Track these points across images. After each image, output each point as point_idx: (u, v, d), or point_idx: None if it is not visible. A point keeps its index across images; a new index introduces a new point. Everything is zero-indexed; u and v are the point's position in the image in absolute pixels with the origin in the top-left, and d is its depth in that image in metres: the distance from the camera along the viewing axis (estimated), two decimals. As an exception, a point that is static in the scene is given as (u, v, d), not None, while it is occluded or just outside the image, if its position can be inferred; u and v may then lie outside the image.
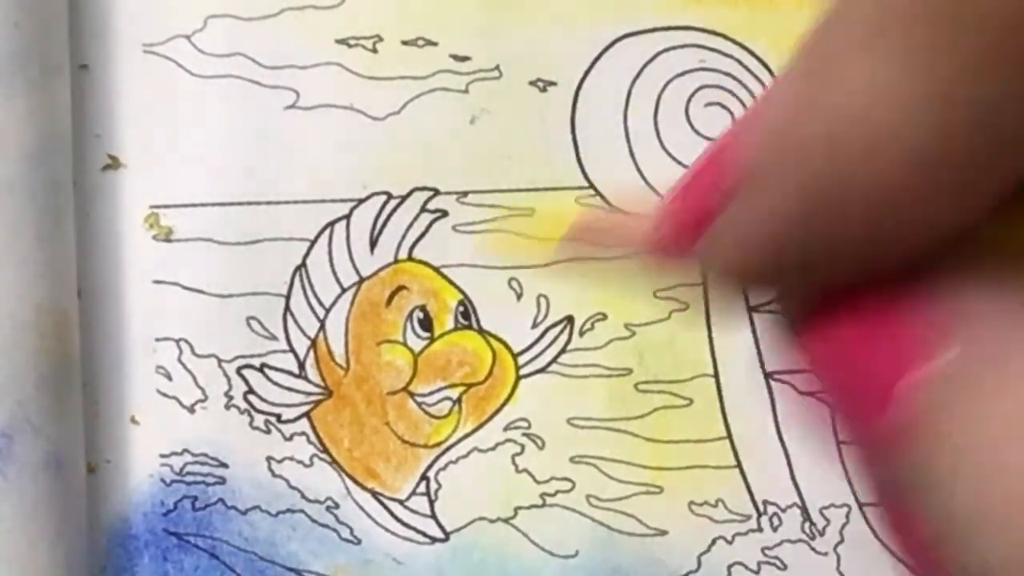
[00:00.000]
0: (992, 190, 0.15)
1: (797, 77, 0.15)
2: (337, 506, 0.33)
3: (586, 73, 0.33)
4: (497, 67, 0.33)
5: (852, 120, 0.14)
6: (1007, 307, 0.15)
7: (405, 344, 0.33)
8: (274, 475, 0.33)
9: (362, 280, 0.33)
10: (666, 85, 0.33)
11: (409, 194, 0.33)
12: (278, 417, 0.33)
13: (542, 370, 0.33)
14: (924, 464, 0.15)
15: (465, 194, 0.32)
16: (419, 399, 0.33)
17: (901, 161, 0.14)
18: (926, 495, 0.15)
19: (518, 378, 0.33)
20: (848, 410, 0.17)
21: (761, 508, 0.32)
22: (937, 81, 0.14)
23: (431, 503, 0.33)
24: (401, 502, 0.33)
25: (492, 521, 0.32)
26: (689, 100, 0.33)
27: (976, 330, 0.15)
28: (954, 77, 0.13)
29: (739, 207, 0.16)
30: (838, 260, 0.16)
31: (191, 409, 0.33)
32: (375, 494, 0.33)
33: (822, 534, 0.32)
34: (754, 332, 0.32)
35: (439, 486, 0.33)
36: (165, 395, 0.33)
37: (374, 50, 0.33)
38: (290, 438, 0.33)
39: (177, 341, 0.33)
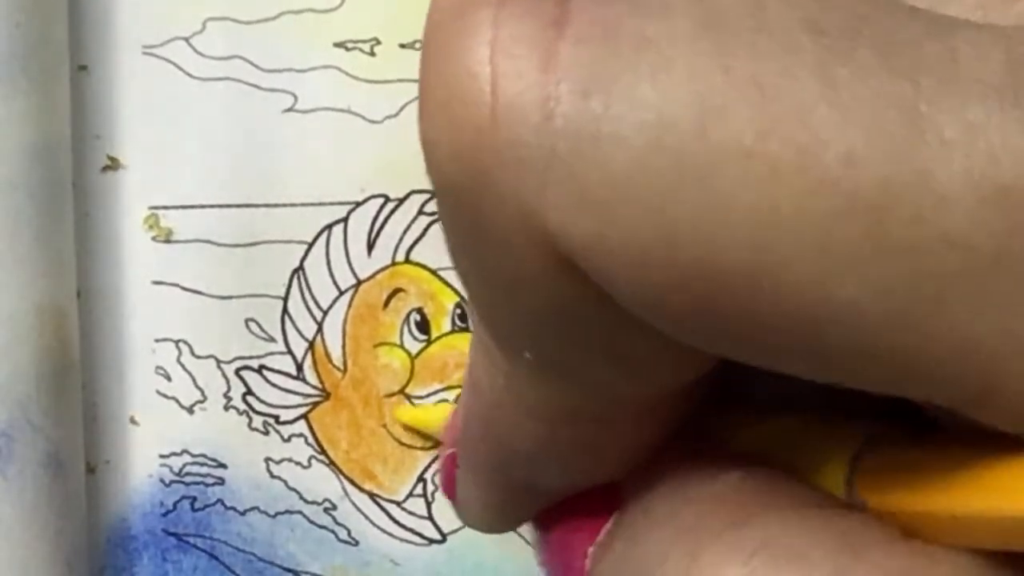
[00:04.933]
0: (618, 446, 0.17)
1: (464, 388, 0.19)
2: (335, 507, 0.33)
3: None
4: (494, 70, 0.32)
5: (493, 404, 0.17)
6: (666, 469, 0.17)
7: (402, 346, 0.33)
8: (272, 476, 0.33)
9: (359, 283, 0.33)
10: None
11: (406, 197, 0.33)
12: (276, 419, 0.33)
13: (538, 373, 0.33)
14: None
15: (462, 197, 0.32)
16: (416, 401, 0.33)
17: (530, 425, 0.16)
18: None
19: (514, 381, 0.33)
20: None
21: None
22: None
23: (428, 505, 0.33)
24: (398, 504, 0.33)
25: (489, 523, 0.33)
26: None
27: (634, 494, 0.17)
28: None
29: (459, 482, 0.20)
30: (537, 504, 0.19)
31: (190, 410, 0.33)
32: (373, 496, 0.33)
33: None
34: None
35: (436, 488, 0.33)
36: (164, 396, 0.33)
37: (372, 53, 0.33)
38: (288, 439, 0.33)
39: (176, 342, 0.33)
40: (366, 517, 0.33)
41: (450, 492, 0.21)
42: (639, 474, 0.17)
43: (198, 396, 0.33)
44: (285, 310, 0.33)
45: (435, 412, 0.31)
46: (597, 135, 0.12)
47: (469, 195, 0.13)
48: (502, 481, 0.19)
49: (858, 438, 0.15)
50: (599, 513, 0.17)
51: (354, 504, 0.33)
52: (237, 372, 0.33)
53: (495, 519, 0.20)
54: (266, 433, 0.33)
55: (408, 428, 0.33)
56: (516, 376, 0.16)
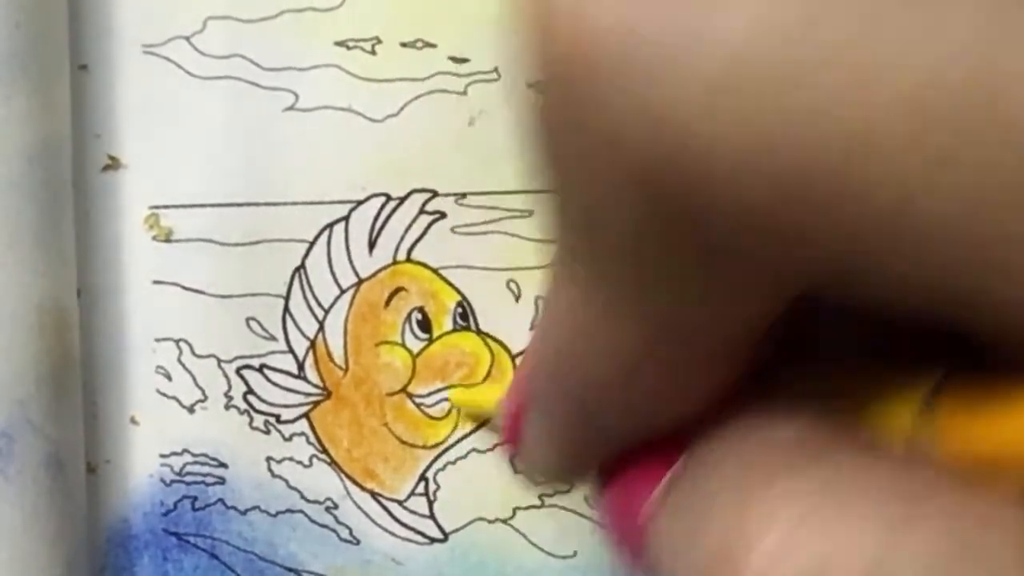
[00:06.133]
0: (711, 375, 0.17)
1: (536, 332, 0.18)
2: (336, 506, 0.33)
3: (585, 75, 0.32)
4: (496, 69, 0.33)
5: (564, 341, 0.17)
6: (738, 423, 0.17)
7: (404, 345, 0.33)
8: (273, 475, 0.33)
9: (361, 281, 0.33)
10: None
11: (408, 196, 0.33)
12: (277, 418, 0.33)
13: (540, 371, 0.33)
14: None
15: (464, 196, 0.33)
16: (417, 400, 0.33)
17: (606, 365, 0.16)
18: None
19: (516, 379, 0.33)
20: (623, 550, 0.19)
21: (758, 510, 0.32)
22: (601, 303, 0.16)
23: (430, 504, 0.33)
24: (400, 503, 0.33)
25: (491, 522, 0.33)
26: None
27: (700, 443, 0.17)
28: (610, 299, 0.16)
29: (527, 430, 0.20)
30: (609, 448, 0.19)
31: (191, 409, 0.33)
32: (374, 495, 0.33)
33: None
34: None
35: (438, 487, 0.33)
36: (165, 395, 0.33)
37: (373, 52, 0.33)
38: (289, 438, 0.33)
39: (177, 341, 0.33)
40: (367, 516, 0.33)
41: (514, 444, 0.20)
42: (701, 424, 0.17)
43: (199, 395, 0.33)
44: (286, 309, 0.33)
45: (490, 391, 0.31)
46: (699, 39, 0.12)
47: (572, 95, 0.14)
48: (572, 426, 0.18)
49: (929, 380, 0.15)
50: (658, 465, 0.17)
51: (355, 503, 0.33)
52: (238, 371, 0.33)
53: (561, 468, 0.20)
54: (267, 432, 0.33)
55: (466, 411, 0.32)
56: (596, 309, 0.16)
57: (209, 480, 0.33)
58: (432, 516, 0.33)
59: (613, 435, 0.18)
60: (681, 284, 0.15)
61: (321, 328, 0.33)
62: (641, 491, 0.18)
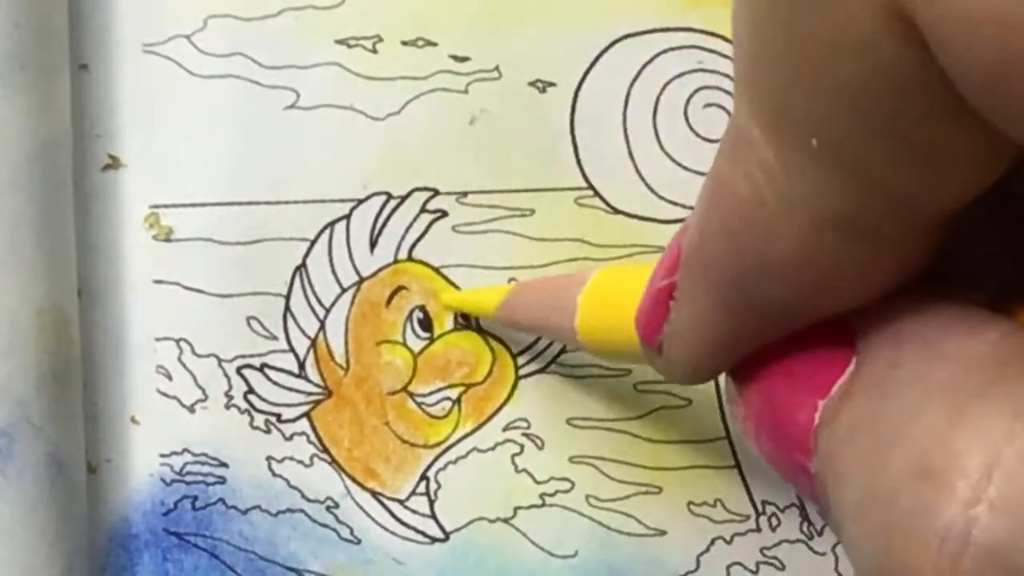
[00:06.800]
0: (898, 260, 0.16)
1: (703, 201, 0.17)
2: (337, 506, 0.33)
3: (585, 74, 0.33)
4: (497, 68, 0.33)
5: (750, 207, 0.16)
6: (909, 323, 0.16)
7: (405, 344, 0.33)
8: (274, 475, 0.33)
9: (362, 280, 0.33)
10: (665, 86, 0.33)
11: (409, 194, 0.33)
12: (278, 417, 0.33)
13: (541, 370, 0.33)
14: (827, 499, 0.16)
15: (465, 194, 0.33)
16: (419, 399, 0.33)
17: (789, 239, 0.15)
18: (836, 531, 0.16)
19: (517, 378, 0.33)
20: (777, 458, 0.17)
21: (760, 508, 0.32)
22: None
23: (431, 503, 0.33)
24: (401, 502, 0.33)
25: (492, 521, 0.32)
26: (688, 101, 0.33)
27: (875, 347, 0.16)
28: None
29: (675, 313, 0.18)
30: (765, 333, 0.17)
31: (191, 409, 0.33)
32: (375, 494, 0.33)
33: (820, 534, 0.32)
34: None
35: (439, 486, 0.33)
36: (165, 395, 0.33)
37: (374, 50, 0.33)
38: (290, 438, 0.33)
39: (177, 341, 0.33)
40: (368, 515, 0.33)
41: (653, 328, 0.19)
42: (879, 325, 0.16)
43: (199, 395, 0.33)
44: (287, 308, 0.33)
45: (481, 294, 0.31)
46: None
47: None
48: (736, 300, 0.17)
49: None
50: (827, 367, 0.16)
51: (356, 502, 0.33)
52: (238, 370, 0.33)
53: (708, 354, 0.18)
54: (268, 432, 0.33)
55: (454, 311, 0.32)
56: (789, 173, 0.15)
57: (209, 480, 0.33)
58: (433, 515, 0.33)
59: (771, 321, 0.17)
60: (900, 139, 0.14)
61: (322, 327, 0.33)
62: (807, 393, 0.16)
